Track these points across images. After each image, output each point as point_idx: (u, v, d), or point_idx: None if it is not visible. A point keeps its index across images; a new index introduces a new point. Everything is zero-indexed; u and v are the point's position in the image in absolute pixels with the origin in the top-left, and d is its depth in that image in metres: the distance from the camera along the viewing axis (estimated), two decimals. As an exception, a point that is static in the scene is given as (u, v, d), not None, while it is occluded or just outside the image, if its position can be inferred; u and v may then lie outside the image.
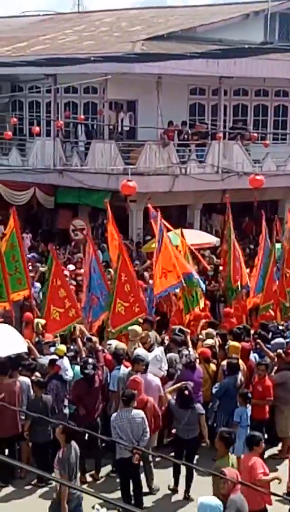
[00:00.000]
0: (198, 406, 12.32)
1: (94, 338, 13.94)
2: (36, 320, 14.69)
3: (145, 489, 12.02)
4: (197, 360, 13.60)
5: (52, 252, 14.95)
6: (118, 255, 14.64)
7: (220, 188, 25.66)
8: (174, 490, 12.35)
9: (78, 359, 13.35)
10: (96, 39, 28.10)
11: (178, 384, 12.48)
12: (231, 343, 13.86)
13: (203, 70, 24.07)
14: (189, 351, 13.51)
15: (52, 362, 13.00)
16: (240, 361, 13.43)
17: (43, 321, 14.68)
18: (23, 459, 12.43)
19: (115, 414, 11.62)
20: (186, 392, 12.08)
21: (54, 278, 14.38)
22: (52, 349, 13.42)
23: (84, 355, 13.40)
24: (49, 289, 14.47)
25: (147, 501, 11.94)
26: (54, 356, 13.08)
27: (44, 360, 13.26)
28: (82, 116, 26.01)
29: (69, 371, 12.97)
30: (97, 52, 24.75)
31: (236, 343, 13.83)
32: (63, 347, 13.23)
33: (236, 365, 13.16)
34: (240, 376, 13.13)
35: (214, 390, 13.33)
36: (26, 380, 12.64)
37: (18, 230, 15.40)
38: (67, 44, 28.14)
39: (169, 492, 12.32)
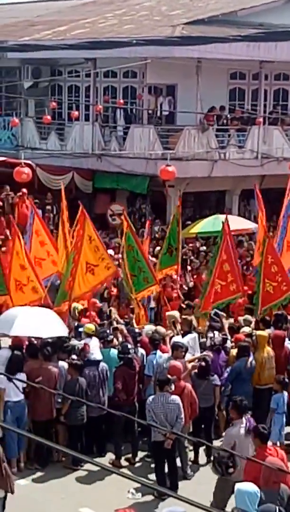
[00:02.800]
0: (215, 377, 12.81)
1: (121, 326, 13.98)
2: (72, 305, 14.71)
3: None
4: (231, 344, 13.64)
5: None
6: (264, 239, 15.20)
7: (259, 174, 25.45)
8: (195, 462, 12.62)
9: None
10: (136, 23, 27.97)
11: (198, 355, 12.94)
12: (258, 332, 13.80)
13: (243, 54, 23.81)
14: (214, 334, 13.58)
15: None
16: (268, 348, 13.40)
17: (80, 306, 14.73)
18: (60, 442, 12.47)
19: (151, 398, 11.66)
20: (203, 363, 12.64)
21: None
22: (81, 328, 13.47)
23: (121, 339, 13.44)
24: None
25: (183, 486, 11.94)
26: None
27: (76, 341, 13.30)
28: (121, 101, 25.95)
29: (96, 353, 12.95)
30: (137, 36, 24.68)
31: (263, 333, 13.74)
32: (91, 326, 13.31)
33: (246, 347, 13.15)
34: (251, 359, 13.10)
35: (225, 375, 13.33)
36: (65, 364, 12.69)
37: (135, 233, 15.49)
38: (107, 28, 28.05)
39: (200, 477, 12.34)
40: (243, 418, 10.65)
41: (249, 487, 8.79)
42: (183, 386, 12.06)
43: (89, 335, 13.13)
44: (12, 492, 10.25)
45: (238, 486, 8.87)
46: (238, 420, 10.66)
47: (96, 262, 14.76)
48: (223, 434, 11.73)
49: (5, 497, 10.28)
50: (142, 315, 15.17)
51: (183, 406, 11.62)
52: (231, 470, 10.26)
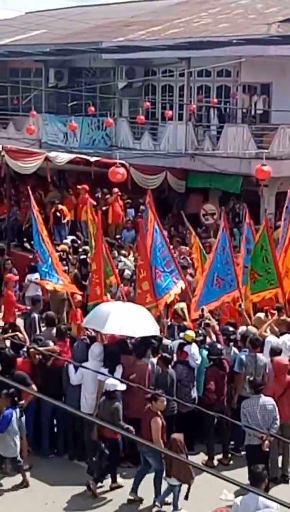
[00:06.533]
0: None
1: (212, 322, 13.90)
2: (177, 305, 14.70)
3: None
4: None
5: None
6: None
7: None
8: None
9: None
10: (231, 22, 27.81)
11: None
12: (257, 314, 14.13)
13: None
14: None
15: (181, 346, 13.02)
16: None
17: (184, 305, 14.74)
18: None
19: (245, 401, 11.59)
20: None
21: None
22: (181, 334, 13.42)
23: (213, 339, 13.38)
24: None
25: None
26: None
27: (168, 341, 13.29)
28: (215, 100, 25.83)
29: (197, 358, 12.91)
30: (232, 35, 24.53)
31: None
32: (191, 333, 13.19)
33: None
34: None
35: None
36: (155, 360, 12.72)
37: (270, 235, 15.42)
38: (201, 27, 27.99)
39: None
40: None
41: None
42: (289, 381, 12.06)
43: (188, 342, 13.03)
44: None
45: None
46: None
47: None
48: None
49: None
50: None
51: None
52: None
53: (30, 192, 16.97)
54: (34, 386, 12.00)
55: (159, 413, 11.33)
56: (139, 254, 15.00)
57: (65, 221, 22.52)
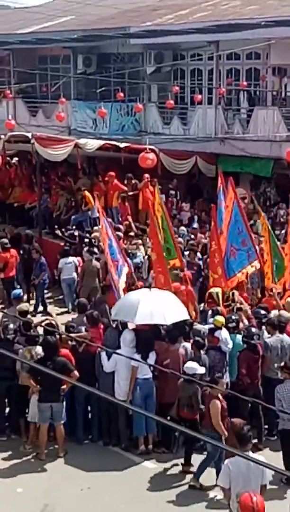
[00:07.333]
0: None
1: (245, 306, 13.84)
2: (213, 289, 14.69)
3: None
4: None
5: None
6: None
7: None
8: None
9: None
10: (259, 4, 27.50)
11: None
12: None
13: None
14: None
15: (212, 331, 13.00)
16: None
17: (219, 291, 14.75)
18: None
19: (280, 385, 11.57)
20: None
21: None
22: (211, 320, 13.39)
23: (247, 324, 13.35)
24: None
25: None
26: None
27: (200, 326, 13.29)
28: (245, 83, 25.62)
29: (229, 343, 12.89)
30: (261, 17, 24.28)
31: None
32: (221, 318, 13.14)
33: None
34: None
35: None
36: (188, 345, 12.72)
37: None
38: (230, 10, 27.74)
39: None
40: None
41: None
42: None
43: (218, 328, 13.02)
44: None
45: None
46: None
47: None
48: None
49: None
50: None
51: None
52: None
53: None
54: (76, 372, 12.07)
55: (219, 396, 11.28)
56: (213, 240, 15.07)
57: (85, 208, 22.39)
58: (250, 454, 9.22)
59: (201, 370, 11.82)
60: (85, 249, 18.83)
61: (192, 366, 11.78)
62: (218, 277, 14.62)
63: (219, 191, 15.94)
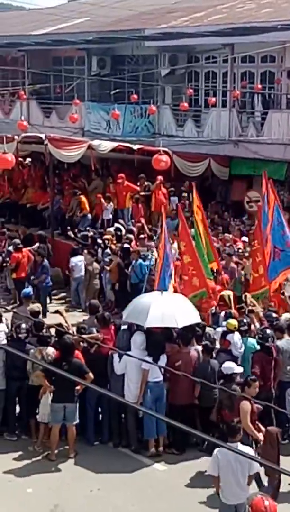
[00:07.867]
0: None
1: (257, 308, 13.79)
2: (224, 291, 14.61)
3: None
4: None
5: None
6: None
7: None
8: None
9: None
10: (274, 7, 27.46)
11: None
12: None
13: None
14: None
15: (224, 334, 12.95)
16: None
17: (231, 294, 14.69)
18: (197, 425, 12.46)
19: (291, 388, 11.50)
20: None
21: None
22: (224, 323, 13.35)
23: (259, 326, 13.30)
24: None
25: None
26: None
27: (211, 329, 13.21)
28: (259, 86, 25.57)
29: (240, 346, 12.84)
30: (276, 20, 24.23)
31: None
32: (234, 322, 13.10)
33: None
34: None
35: None
36: (200, 348, 12.68)
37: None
38: (245, 13, 27.70)
39: None
40: None
41: None
42: None
43: (231, 331, 12.98)
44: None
45: None
46: None
47: None
48: None
49: None
50: None
51: None
52: None
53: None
54: (90, 374, 12.05)
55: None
56: (255, 239, 15.24)
57: (81, 214, 22.36)
58: (239, 445, 9.50)
59: (239, 369, 11.79)
60: (85, 251, 18.91)
61: (230, 366, 11.74)
62: (258, 276, 14.72)
63: (264, 194, 15.82)
